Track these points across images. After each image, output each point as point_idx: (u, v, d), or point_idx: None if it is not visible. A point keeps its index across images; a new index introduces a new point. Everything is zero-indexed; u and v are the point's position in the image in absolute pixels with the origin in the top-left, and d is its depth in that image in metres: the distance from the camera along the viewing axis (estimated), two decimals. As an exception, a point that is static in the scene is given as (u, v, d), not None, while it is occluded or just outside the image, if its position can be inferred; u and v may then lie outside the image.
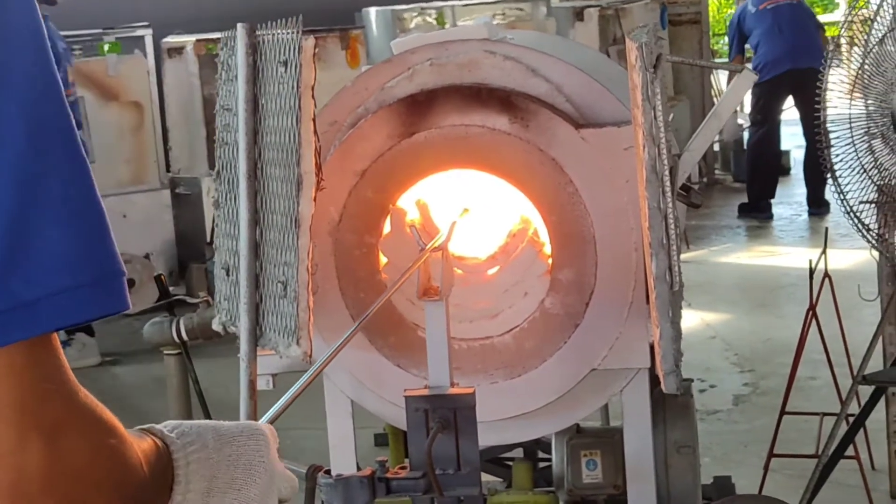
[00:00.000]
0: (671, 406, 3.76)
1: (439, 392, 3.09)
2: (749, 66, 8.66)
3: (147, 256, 9.20)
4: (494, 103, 3.52)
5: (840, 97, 4.58)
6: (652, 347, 3.34)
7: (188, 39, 9.83)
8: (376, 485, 3.06)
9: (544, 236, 3.59)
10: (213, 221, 3.76)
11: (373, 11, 10.53)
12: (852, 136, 4.52)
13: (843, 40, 4.83)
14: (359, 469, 3.64)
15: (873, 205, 4.49)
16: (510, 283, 3.60)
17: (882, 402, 4.88)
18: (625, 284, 3.49)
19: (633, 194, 3.31)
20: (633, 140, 3.22)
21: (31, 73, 1.09)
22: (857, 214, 4.48)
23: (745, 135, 12.02)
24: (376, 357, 3.65)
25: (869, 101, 4.52)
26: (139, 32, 9.91)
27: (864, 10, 4.68)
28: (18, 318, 1.05)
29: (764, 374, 6.85)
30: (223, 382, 5.93)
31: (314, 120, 3.28)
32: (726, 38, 14.31)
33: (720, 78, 13.68)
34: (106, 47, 9.74)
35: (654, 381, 3.43)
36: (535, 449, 4.43)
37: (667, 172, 3.03)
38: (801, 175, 11.71)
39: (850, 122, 4.53)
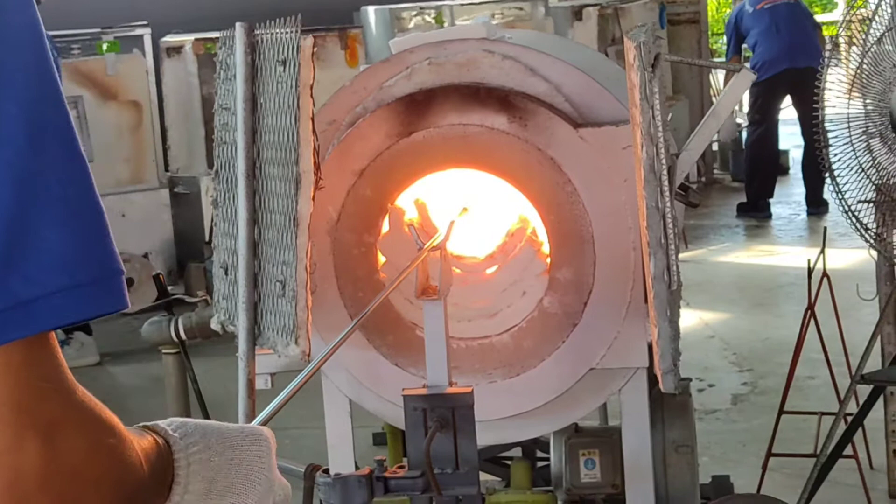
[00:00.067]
0: (669, 405, 3.76)
1: (438, 391, 3.09)
2: (747, 65, 8.65)
3: (146, 255, 9.21)
4: (493, 103, 3.52)
5: (838, 96, 4.58)
6: (650, 347, 3.34)
7: (187, 39, 9.82)
8: (374, 484, 3.05)
9: (543, 235, 3.59)
10: (212, 220, 3.76)
11: (371, 11, 10.52)
12: (850, 136, 4.52)
13: (841, 40, 4.83)
14: (357, 468, 3.64)
15: (871, 204, 4.49)
16: (508, 282, 3.60)
17: (880, 402, 4.88)
18: (623, 284, 3.49)
19: (632, 193, 3.30)
20: (632, 139, 3.22)
21: (31, 72, 1.09)
22: (856, 214, 4.48)
23: (744, 134, 12.01)
24: (375, 356, 3.64)
25: (867, 101, 4.52)
26: (138, 32, 9.89)
27: (863, 10, 4.69)
28: (16, 316, 1.05)
29: (762, 374, 6.85)
30: (222, 381, 5.93)
31: (313, 119, 3.27)
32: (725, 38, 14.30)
33: (719, 77, 13.67)
34: (104, 46, 9.73)
35: (653, 380, 3.42)
36: (533, 448, 4.43)
37: (665, 172, 3.03)
38: (800, 174, 11.70)
39: (849, 122, 4.53)
